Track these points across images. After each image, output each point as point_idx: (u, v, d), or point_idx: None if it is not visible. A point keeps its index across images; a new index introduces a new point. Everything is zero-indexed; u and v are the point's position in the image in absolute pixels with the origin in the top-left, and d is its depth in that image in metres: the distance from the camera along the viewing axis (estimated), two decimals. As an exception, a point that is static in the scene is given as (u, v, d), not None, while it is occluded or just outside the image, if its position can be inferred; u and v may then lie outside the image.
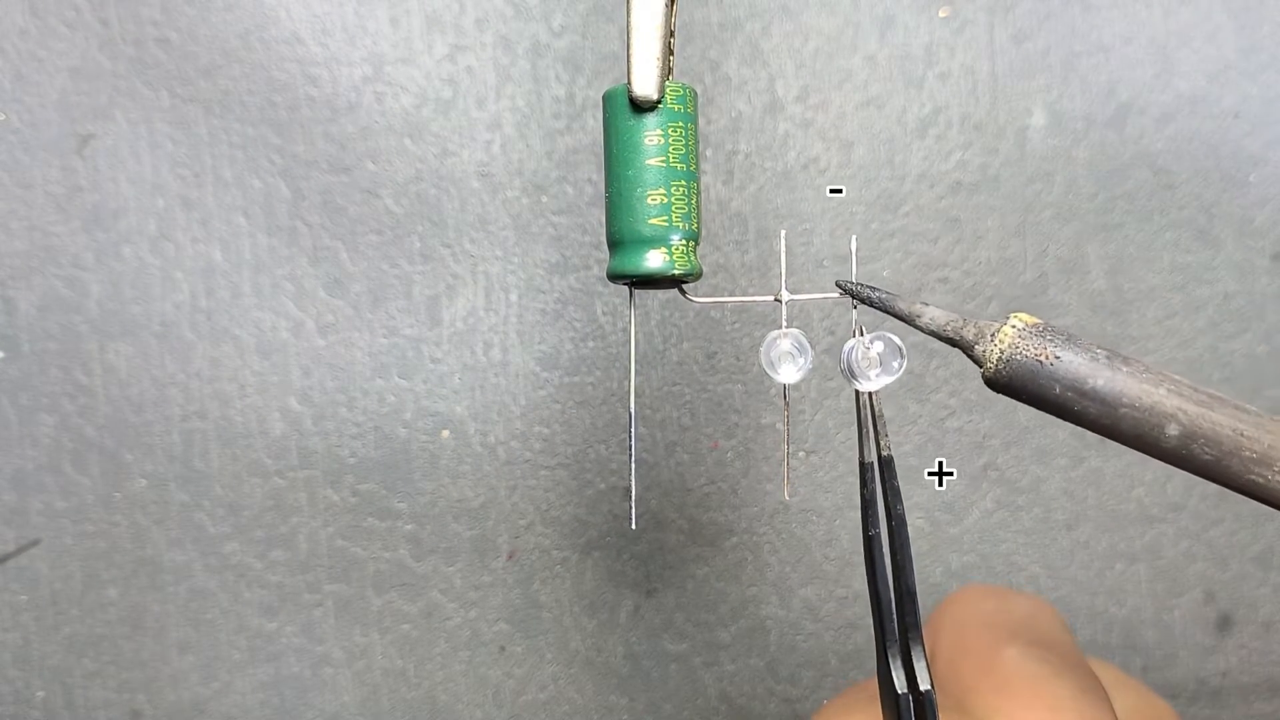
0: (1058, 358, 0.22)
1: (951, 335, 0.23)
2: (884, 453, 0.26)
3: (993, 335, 0.22)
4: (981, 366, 0.23)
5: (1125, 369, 0.22)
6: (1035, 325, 0.22)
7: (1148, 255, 0.43)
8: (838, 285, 0.26)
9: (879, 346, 0.26)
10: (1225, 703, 0.45)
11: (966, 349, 0.23)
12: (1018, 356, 0.22)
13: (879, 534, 0.25)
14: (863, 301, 0.25)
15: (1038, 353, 0.22)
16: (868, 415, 0.26)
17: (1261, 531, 0.44)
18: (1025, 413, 0.43)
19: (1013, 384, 0.22)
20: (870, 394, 0.26)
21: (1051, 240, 0.43)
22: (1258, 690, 0.45)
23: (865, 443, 0.26)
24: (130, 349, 0.41)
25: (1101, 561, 0.44)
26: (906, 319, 0.24)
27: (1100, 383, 0.22)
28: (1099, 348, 0.22)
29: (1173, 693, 0.44)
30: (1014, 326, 0.22)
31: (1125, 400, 0.22)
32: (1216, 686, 0.44)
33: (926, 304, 0.24)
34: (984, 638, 0.28)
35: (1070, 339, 0.22)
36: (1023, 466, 0.43)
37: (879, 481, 0.26)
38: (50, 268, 0.40)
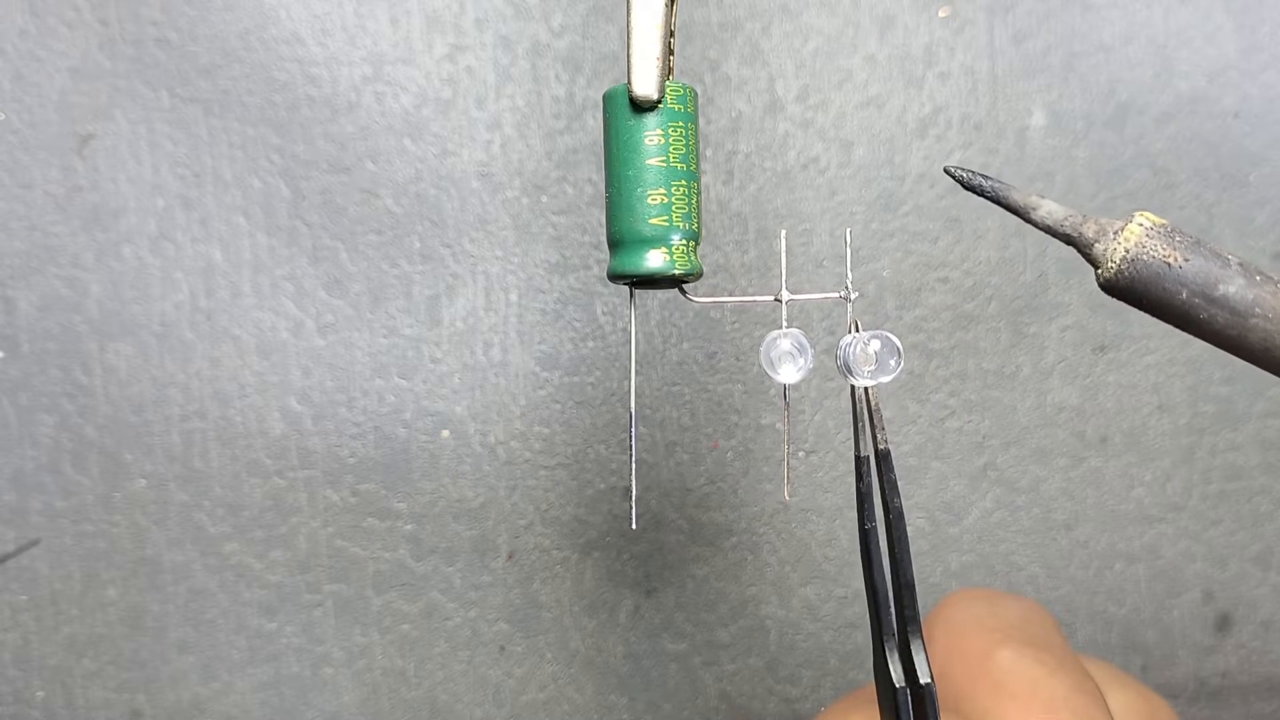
0: (1186, 260, 0.20)
1: (1069, 232, 0.21)
2: (880, 446, 0.25)
3: (1116, 233, 0.21)
4: (1099, 267, 0.21)
5: (1259, 277, 0.20)
6: (1163, 225, 0.21)
7: (1147, 255, 0.43)
8: (946, 171, 0.24)
9: (876, 344, 0.26)
10: (1225, 702, 0.45)
11: (1084, 247, 0.21)
12: (1143, 256, 0.20)
13: (875, 528, 0.25)
14: (973, 190, 0.23)
15: (1165, 254, 0.20)
16: (863, 409, 0.26)
17: (1261, 531, 0.44)
18: (1025, 413, 0.43)
19: (1134, 287, 0.21)
20: (866, 388, 0.26)
21: (1052, 240, 0.43)
22: (1257, 690, 0.45)
23: (861, 436, 0.26)
24: (130, 349, 0.41)
25: (1101, 561, 0.44)
26: (1020, 212, 0.22)
27: (1232, 290, 0.20)
28: (1231, 254, 0.20)
29: (1172, 693, 0.44)
30: (1140, 224, 0.21)
31: (1259, 310, 0.20)
32: (1216, 686, 0.44)
33: (1044, 196, 0.22)
34: (977, 640, 0.28)
35: (1199, 242, 0.21)
36: (1022, 466, 0.43)
37: (875, 475, 0.26)
38: (50, 268, 0.40)
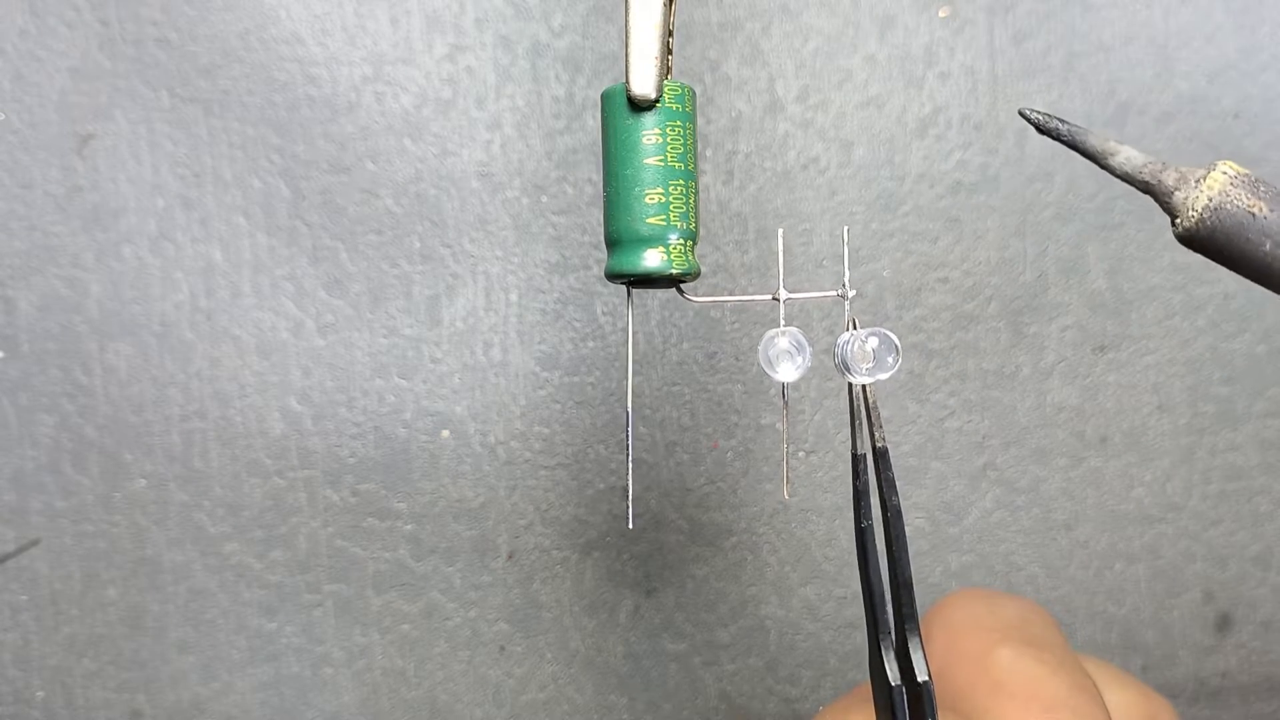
0: (1272, 210, 0.19)
1: (1147, 179, 0.21)
2: (878, 444, 0.25)
3: (1198, 181, 0.20)
4: (1177, 217, 0.20)
5: None
6: (1247, 174, 0.20)
7: (1148, 255, 0.43)
8: (1021, 113, 0.23)
9: (874, 342, 0.26)
10: (1225, 703, 0.44)
11: (1162, 196, 0.20)
12: (1227, 206, 0.20)
13: (871, 526, 0.25)
14: (1047, 134, 0.22)
15: (1250, 204, 0.20)
16: (860, 406, 0.26)
17: (1261, 531, 0.44)
18: (1025, 413, 0.43)
19: (1215, 238, 0.20)
20: (864, 385, 0.26)
21: (1051, 240, 0.43)
22: (1257, 690, 0.45)
23: (858, 434, 0.26)
24: (130, 349, 0.41)
25: (1100, 561, 0.44)
26: (1097, 157, 0.21)
27: None
28: None
29: (1172, 693, 0.44)
30: (1224, 173, 0.20)
31: None
32: (1216, 686, 0.44)
33: (1122, 143, 0.22)
34: (976, 640, 0.28)
35: None
36: (1022, 466, 0.43)
37: (873, 472, 0.26)
38: (50, 268, 0.40)
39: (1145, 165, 0.21)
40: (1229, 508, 0.44)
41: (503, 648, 0.43)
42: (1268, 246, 0.20)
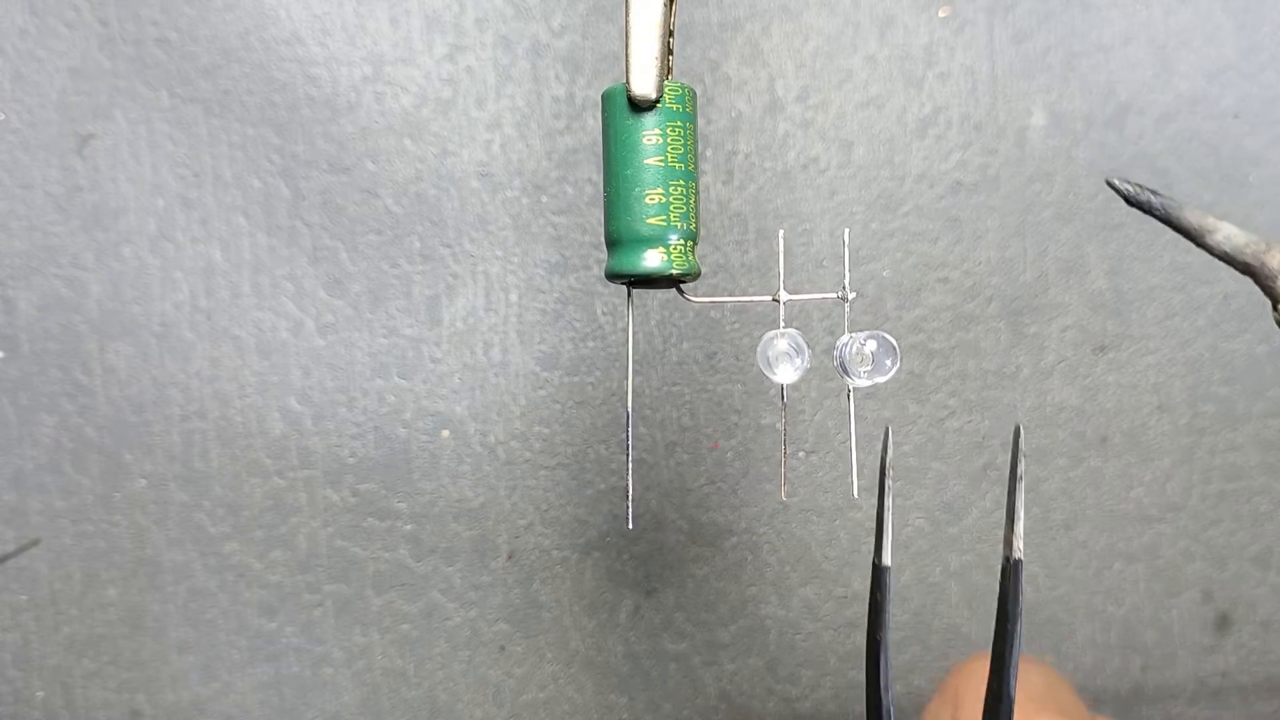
0: None
1: (1249, 260, 0.20)
2: (1015, 555, 0.22)
3: None
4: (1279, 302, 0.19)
5: None
6: None
7: (1148, 255, 0.43)
8: (1109, 183, 0.21)
9: (872, 345, 0.26)
10: (1225, 703, 0.44)
11: (1265, 280, 0.19)
12: None
13: (885, 637, 0.23)
14: (1138, 207, 0.21)
15: None
16: (888, 515, 0.23)
17: (1260, 532, 0.44)
18: (1025, 413, 0.43)
19: None
20: (885, 487, 0.23)
21: (1052, 240, 0.43)
22: (1257, 690, 0.45)
23: (883, 544, 0.23)
24: (130, 349, 0.41)
25: (1100, 561, 0.44)
26: (1194, 235, 0.20)
27: None
28: None
29: (1172, 693, 0.44)
30: None
31: None
32: (1216, 686, 0.44)
33: (1222, 219, 0.20)
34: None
35: None
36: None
37: (889, 588, 0.23)
38: (50, 268, 0.40)
39: (1248, 245, 0.20)
40: (1228, 508, 0.44)
41: (503, 648, 0.43)
42: None
